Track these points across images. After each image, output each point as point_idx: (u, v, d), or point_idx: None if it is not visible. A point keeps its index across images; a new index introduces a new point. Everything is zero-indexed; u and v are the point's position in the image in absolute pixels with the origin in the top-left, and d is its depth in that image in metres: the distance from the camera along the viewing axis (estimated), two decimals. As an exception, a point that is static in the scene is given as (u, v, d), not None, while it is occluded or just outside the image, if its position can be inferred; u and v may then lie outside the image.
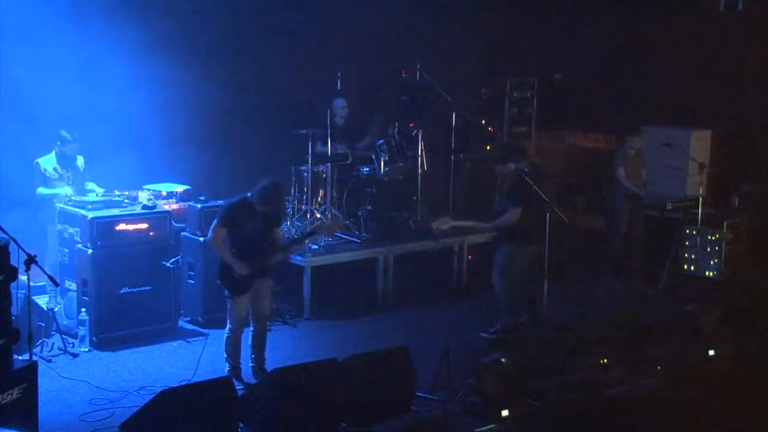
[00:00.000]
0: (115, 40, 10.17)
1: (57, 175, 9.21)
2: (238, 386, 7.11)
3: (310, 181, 10.41)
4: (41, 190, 9.18)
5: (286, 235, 9.90)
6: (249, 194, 7.70)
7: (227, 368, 7.79)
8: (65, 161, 9.30)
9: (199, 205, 9.17)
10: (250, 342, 7.92)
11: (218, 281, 7.80)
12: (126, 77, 10.38)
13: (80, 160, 9.41)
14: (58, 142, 9.24)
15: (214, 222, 7.83)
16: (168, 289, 8.84)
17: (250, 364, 7.91)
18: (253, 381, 7.68)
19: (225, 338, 7.83)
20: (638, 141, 11.05)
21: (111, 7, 10.24)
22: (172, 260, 8.83)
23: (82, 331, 8.39)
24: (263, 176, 7.93)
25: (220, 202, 8.81)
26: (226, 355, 7.83)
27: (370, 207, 10.30)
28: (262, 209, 7.63)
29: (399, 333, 9.24)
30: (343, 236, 10.34)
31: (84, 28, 9.95)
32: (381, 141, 10.70)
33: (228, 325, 7.81)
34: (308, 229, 9.20)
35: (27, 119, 9.68)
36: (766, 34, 12.53)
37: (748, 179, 11.68)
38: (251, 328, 7.91)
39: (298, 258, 9.52)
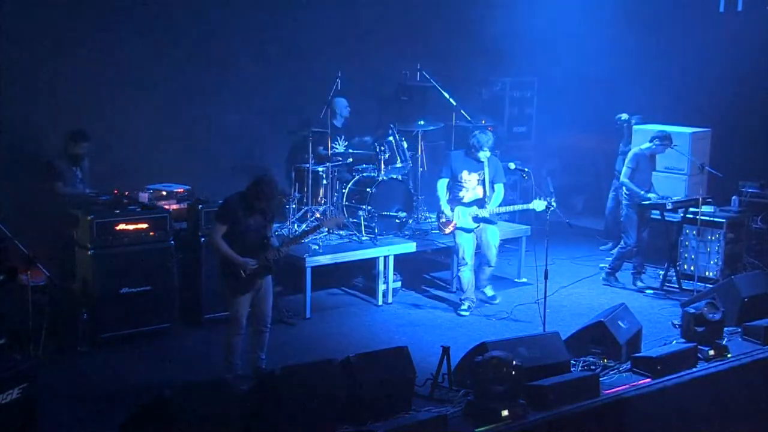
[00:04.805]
0: (138, 40, 10.25)
1: (69, 173, 9.26)
2: (238, 386, 7.11)
3: (310, 181, 10.41)
4: (59, 187, 9.22)
5: (288, 234, 9.94)
6: (244, 190, 7.67)
7: (227, 368, 7.78)
8: (74, 160, 9.32)
9: (199, 206, 9.17)
10: (250, 342, 7.91)
11: (221, 281, 7.77)
12: (129, 78, 10.42)
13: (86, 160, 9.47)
14: (70, 141, 9.26)
15: (213, 222, 7.81)
16: (168, 289, 8.84)
17: (250, 362, 7.90)
18: (252, 381, 7.67)
19: (226, 339, 7.81)
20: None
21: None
22: (173, 260, 8.83)
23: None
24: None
25: (220, 202, 8.81)
26: (225, 355, 7.82)
27: (370, 207, 10.30)
28: (260, 204, 7.59)
29: (399, 333, 9.25)
30: (344, 236, 10.35)
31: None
32: (381, 141, 10.71)
33: (230, 326, 7.79)
34: (309, 226, 9.21)
35: (32, 119, 9.74)
36: (766, 34, 12.55)
37: (748, 179, 11.67)
38: (251, 329, 7.90)
39: (299, 258, 9.52)
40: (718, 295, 9.20)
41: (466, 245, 9.80)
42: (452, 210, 9.79)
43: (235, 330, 7.74)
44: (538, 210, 9.45)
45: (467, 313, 9.81)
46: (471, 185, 9.78)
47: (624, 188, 10.82)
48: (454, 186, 9.83)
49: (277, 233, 9.36)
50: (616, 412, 7.37)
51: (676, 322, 9.25)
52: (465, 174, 9.78)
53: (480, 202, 9.78)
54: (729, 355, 8.45)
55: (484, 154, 9.74)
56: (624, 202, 10.86)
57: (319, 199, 10.64)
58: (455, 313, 9.86)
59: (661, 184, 11.08)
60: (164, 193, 9.73)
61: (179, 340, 8.82)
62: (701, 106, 12.52)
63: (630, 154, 10.86)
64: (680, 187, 11.44)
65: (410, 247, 10.34)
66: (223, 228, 7.60)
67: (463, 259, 9.82)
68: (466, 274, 9.82)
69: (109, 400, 7.35)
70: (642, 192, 10.61)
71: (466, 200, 9.78)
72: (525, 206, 9.85)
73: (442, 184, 9.89)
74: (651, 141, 10.75)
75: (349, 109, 11.21)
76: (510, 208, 10.09)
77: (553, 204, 9.13)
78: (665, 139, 10.71)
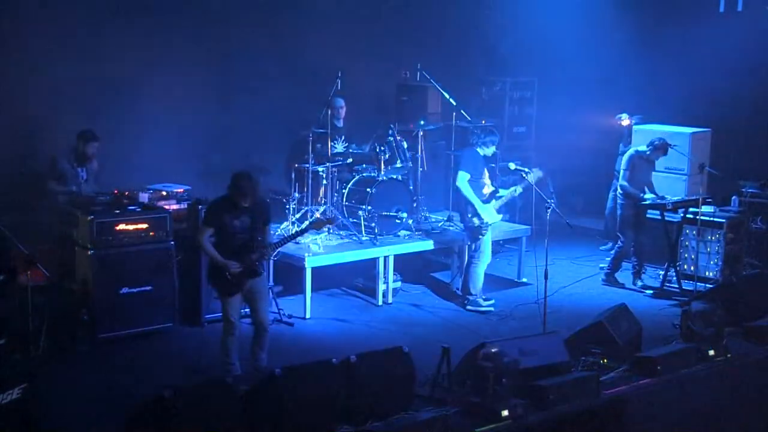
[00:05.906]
0: (138, 40, 10.24)
1: (71, 172, 9.25)
2: (238, 386, 7.10)
3: (310, 181, 10.41)
4: (52, 185, 9.20)
5: (287, 234, 9.94)
6: (226, 192, 7.66)
7: (224, 368, 7.79)
8: (81, 159, 9.32)
9: (199, 206, 9.17)
10: (251, 342, 7.92)
11: (208, 282, 7.79)
12: (129, 78, 10.43)
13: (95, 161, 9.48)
14: (80, 140, 9.27)
15: (200, 223, 7.81)
16: (168, 289, 8.84)
17: (251, 362, 7.90)
18: (252, 381, 7.66)
19: (221, 338, 7.84)
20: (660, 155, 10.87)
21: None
22: (173, 260, 8.83)
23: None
24: (262, 176, 7.94)
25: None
26: (222, 355, 7.83)
27: (370, 207, 10.29)
28: (243, 201, 7.58)
29: (399, 333, 9.24)
30: (344, 236, 10.34)
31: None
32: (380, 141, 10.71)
33: (223, 326, 7.81)
34: (299, 228, 9.17)
35: (32, 119, 9.75)
36: (766, 34, 12.55)
37: (748, 179, 11.67)
38: (252, 329, 7.91)
39: (299, 258, 9.52)
40: (718, 295, 9.20)
41: (489, 241, 9.96)
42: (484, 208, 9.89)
43: (229, 330, 7.76)
44: (532, 181, 9.52)
45: (492, 308, 9.90)
46: (487, 182, 10.01)
47: (620, 189, 10.85)
48: (476, 184, 9.85)
49: (276, 233, 9.37)
50: (616, 412, 7.37)
51: (676, 323, 9.24)
52: (485, 171, 10.00)
53: (495, 197, 10.00)
54: (729, 355, 8.45)
55: (491, 151, 9.99)
56: (619, 202, 10.88)
57: (319, 199, 10.63)
58: (475, 312, 9.87)
59: (661, 184, 11.08)
60: (164, 193, 9.73)
61: (179, 340, 8.82)
62: (701, 106, 12.52)
63: (625, 157, 10.90)
64: (680, 187, 11.43)
65: (410, 247, 10.34)
66: (209, 230, 7.65)
67: (484, 254, 9.91)
68: (482, 271, 9.94)
69: (109, 400, 7.34)
70: (640, 195, 10.63)
71: (487, 197, 9.95)
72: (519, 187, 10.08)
73: (465, 180, 9.80)
74: (648, 146, 10.78)
75: (345, 110, 11.17)
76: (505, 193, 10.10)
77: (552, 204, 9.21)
78: (660, 148, 10.73)
